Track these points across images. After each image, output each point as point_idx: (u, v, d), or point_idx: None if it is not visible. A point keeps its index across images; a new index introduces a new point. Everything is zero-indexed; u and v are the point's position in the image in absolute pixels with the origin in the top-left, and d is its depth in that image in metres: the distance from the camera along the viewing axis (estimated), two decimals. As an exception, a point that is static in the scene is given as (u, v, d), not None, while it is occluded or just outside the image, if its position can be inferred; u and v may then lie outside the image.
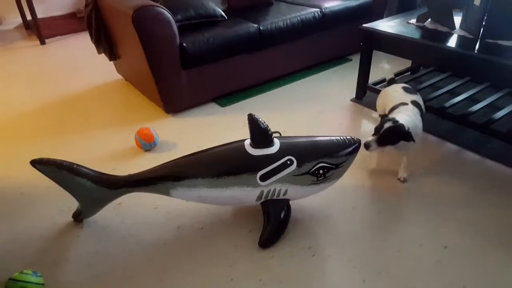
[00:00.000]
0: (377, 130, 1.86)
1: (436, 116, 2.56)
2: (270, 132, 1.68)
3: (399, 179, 2.06)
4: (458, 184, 2.03)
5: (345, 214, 1.88)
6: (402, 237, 1.72)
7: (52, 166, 1.66)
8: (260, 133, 1.67)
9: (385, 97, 2.22)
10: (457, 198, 1.94)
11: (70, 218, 1.86)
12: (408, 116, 1.90)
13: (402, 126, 1.82)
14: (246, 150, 1.68)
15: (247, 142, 1.71)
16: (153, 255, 1.69)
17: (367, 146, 1.83)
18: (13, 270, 1.51)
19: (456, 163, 2.22)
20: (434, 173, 2.12)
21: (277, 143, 1.70)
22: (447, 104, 2.49)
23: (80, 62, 3.95)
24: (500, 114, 2.36)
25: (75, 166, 1.69)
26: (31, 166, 1.66)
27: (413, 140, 1.81)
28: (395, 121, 1.83)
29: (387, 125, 1.83)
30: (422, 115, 2.00)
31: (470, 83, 2.77)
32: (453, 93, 2.66)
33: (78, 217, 1.84)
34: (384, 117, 1.93)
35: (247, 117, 1.66)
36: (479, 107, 2.44)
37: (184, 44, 2.54)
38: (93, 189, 1.71)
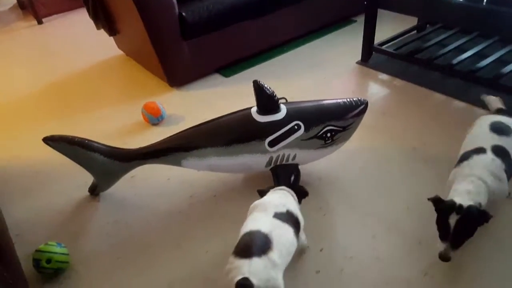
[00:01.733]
0: (443, 229, 1.32)
1: (442, 73, 2.53)
2: (276, 98, 1.69)
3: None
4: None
5: (353, 175, 1.91)
6: (411, 195, 1.75)
7: (64, 142, 1.70)
8: (266, 100, 1.68)
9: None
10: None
11: (86, 193, 1.92)
12: (471, 182, 1.34)
13: (472, 210, 1.26)
14: (253, 118, 1.69)
15: (254, 110, 1.72)
16: (169, 223, 1.75)
17: (445, 259, 1.32)
18: (38, 242, 1.58)
19: (466, 121, 2.22)
20: (445, 134, 2.11)
21: (283, 109, 1.71)
22: (455, 61, 2.45)
23: (80, 39, 3.92)
24: (508, 68, 2.32)
25: (86, 141, 1.73)
26: (42, 145, 1.70)
27: (486, 220, 1.27)
28: (459, 208, 1.27)
29: (453, 219, 1.26)
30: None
31: (478, 39, 2.70)
32: (461, 49, 2.61)
33: (94, 191, 1.90)
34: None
35: (252, 84, 1.66)
36: (487, 63, 2.40)
37: (183, 13, 2.51)
38: (106, 163, 1.75)
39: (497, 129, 1.47)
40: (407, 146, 2.04)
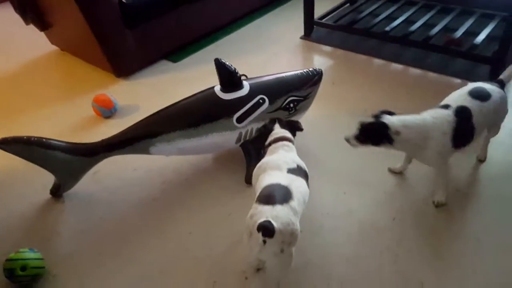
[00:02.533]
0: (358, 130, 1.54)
1: (379, 40, 2.73)
2: (238, 74, 1.72)
3: (433, 202, 1.64)
4: (409, 99, 2.23)
5: (317, 141, 2.01)
6: (369, 151, 1.82)
7: (19, 143, 1.59)
8: (229, 77, 1.70)
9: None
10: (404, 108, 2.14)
11: (48, 195, 1.81)
12: (416, 115, 1.52)
13: (378, 124, 1.47)
14: (218, 96, 1.71)
15: (218, 88, 1.74)
16: (146, 211, 1.73)
17: (347, 140, 1.56)
18: (6, 253, 1.47)
19: (403, 80, 2.43)
20: (388, 94, 2.29)
21: (246, 85, 1.75)
22: (388, 28, 2.65)
23: (6, 37, 3.57)
24: (435, 30, 2.57)
25: (44, 140, 1.62)
26: None
27: (389, 142, 1.47)
28: (377, 117, 1.50)
29: (365, 120, 1.51)
30: (464, 127, 1.51)
31: (405, 6, 2.95)
32: (392, 17, 2.82)
33: (57, 192, 1.79)
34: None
35: (214, 62, 1.68)
36: (417, 27, 2.64)
37: (124, 0, 2.41)
38: (69, 160, 1.66)
39: (474, 93, 1.56)
40: (359, 108, 2.19)
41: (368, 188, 1.74)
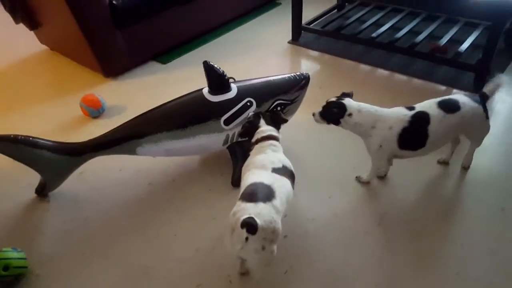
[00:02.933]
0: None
1: (366, 46, 2.78)
2: (226, 77, 1.74)
3: (356, 177, 1.81)
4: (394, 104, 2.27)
5: (303, 145, 2.05)
6: (355, 155, 1.89)
7: (5, 141, 1.58)
8: (217, 79, 1.72)
9: None
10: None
11: (33, 194, 1.80)
12: (373, 108, 1.60)
13: (338, 103, 1.61)
14: (206, 98, 1.73)
15: (206, 90, 1.76)
16: (132, 212, 1.73)
17: (313, 115, 1.68)
18: (-11, 253, 1.46)
19: (389, 85, 2.48)
20: (374, 98, 2.31)
21: (234, 88, 1.77)
22: (375, 35, 2.70)
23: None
24: (420, 37, 2.63)
25: (31, 138, 1.62)
26: None
27: (337, 121, 1.61)
28: (339, 98, 1.64)
29: (330, 99, 1.65)
30: (416, 131, 1.58)
31: (392, 13, 3.01)
32: (378, 24, 2.88)
33: (42, 191, 1.78)
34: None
35: (202, 64, 1.69)
36: (402, 34, 2.69)
37: (114, 1, 2.41)
38: (55, 159, 1.66)
39: (442, 103, 1.57)
40: (346, 113, 2.22)
41: (353, 192, 1.77)
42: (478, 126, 1.65)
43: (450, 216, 1.66)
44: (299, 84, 1.89)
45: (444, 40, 2.59)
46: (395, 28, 2.79)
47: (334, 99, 1.65)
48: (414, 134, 1.58)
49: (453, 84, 2.42)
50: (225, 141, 1.79)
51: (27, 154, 1.61)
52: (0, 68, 2.96)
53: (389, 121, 1.57)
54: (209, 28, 3.18)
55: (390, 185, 1.79)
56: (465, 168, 1.83)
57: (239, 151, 1.83)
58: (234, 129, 1.76)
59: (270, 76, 1.88)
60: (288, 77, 1.88)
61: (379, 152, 1.63)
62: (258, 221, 1.12)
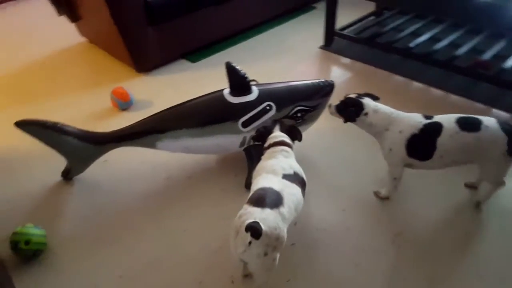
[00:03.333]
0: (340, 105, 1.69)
1: (401, 56, 2.69)
2: (248, 79, 1.74)
3: (375, 192, 1.76)
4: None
5: (322, 153, 2.01)
6: (376, 170, 1.84)
7: (37, 126, 1.68)
8: (238, 81, 1.73)
9: None
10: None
11: (59, 178, 1.90)
12: (389, 110, 1.59)
13: (356, 101, 1.61)
14: (226, 99, 1.75)
15: (227, 91, 1.77)
16: (146, 204, 1.78)
17: (329, 106, 1.72)
18: (13, 227, 1.56)
19: (423, 99, 2.38)
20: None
21: (255, 90, 1.77)
22: (412, 45, 2.61)
23: (39, 27, 3.75)
24: (461, 50, 2.51)
25: (59, 125, 1.71)
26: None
27: (353, 119, 1.62)
28: (358, 96, 1.65)
29: (350, 95, 1.66)
30: (425, 140, 1.53)
31: (432, 23, 2.89)
32: (416, 33, 2.78)
33: (67, 175, 1.88)
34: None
35: (225, 65, 1.71)
36: (441, 46, 2.58)
37: (148, -1, 2.50)
38: (80, 146, 1.74)
39: (462, 119, 1.50)
40: (370, 124, 2.17)
41: (369, 207, 1.72)
42: (495, 160, 1.48)
43: (469, 244, 1.57)
44: (322, 91, 1.86)
45: (487, 55, 2.44)
46: (434, 39, 2.68)
47: (353, 95, 1.64)
48: (422, 143, 1.52)
49: (493, 103, 2.27)
50: (242, 143, 1.79)
51: (55, 139, 1.70)
52: (41, 57, 3.13)
53: (401, 125, 1.54)
54: (240, 29, 3.20)
55: (409, 204, 1.73)
56: (477, 205, 1.67)
57: (255, 155, 1.82)
58: (251, 132, 1.76)
59: (293, 81, 1.87)
60: (312, 83, 1.86)
61: (390, 156, 1.59)
62: (263, 226, 1.12)
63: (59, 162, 1.85)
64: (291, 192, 1.31)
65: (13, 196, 1.84)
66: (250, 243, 1.12)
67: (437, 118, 1.53)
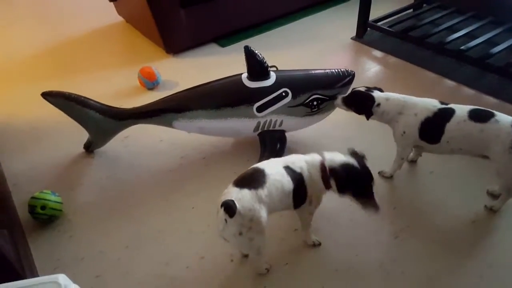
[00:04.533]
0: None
1: (434, 52, 2.58)
2: (266, 64, 1.75)
3: (379, 172, 1.79)
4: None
5: (338, 144, 1.96)
6: (390, 164, 1.83)
7: (61, 97, 1.77)
8: (256, 65, 1.74)
9: None
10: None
11: (81, 149, 2.01)
12: (402, 96, 1.61)
13: (367, 95, 1.62)
14: (243, 83, 1.76)
15: (244, 75, 1.79)
16: (160, 180, 1.85)
17: (335, 98, 1.76)
18: (33, 192, 1.67)
19: (454, 98, 2.28)
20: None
21: (273, 76, 1.78)
22: (446, 40, 2.49)
23: (80, 4, 3.92)
24: (497, 49, 2.37)
25: (82, 98, 1.80)
26: (39, 103, 1.79)
27: (368, 114, 1.63)
28: (367, 89, 1.67)
29: (358, 88, 1.68)
30: (435, 123, 1.54)
31: (471, 20, 2.74)
32: (453, 29, 2.65)
33: (89, 148, 1.98)
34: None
35: (244, 50, 1.72)
36: (477, 43, 2.45)
37: (182, -20, 2.54)
38: (101, 120, 1.83)
39: (477, 110, 1.50)
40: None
41: (377, 200, 1.69)
42: (498, 155, 1.44)
43: (475, 246, 1.52)
44: (342, 81, 1.83)
45: (525, 55, 2.30)
46: (470, 36, 2.54)
47: (362, 89, 1.67)
48: (433, 127, 1.54)
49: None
50: (256, 128, 1.81)
51: (78, 111, 1.80)
52: (79, 34, 3.28)
53: (416, 109, 1.57)
54: (273, 16, 3.18)
55: (418, 202, 1.69)
56: (489, 209, 1.61)
57: (269, 140, 1.84)
58: (266, 117, 1.77)
59: (312, 69, 1.85)
60: (331, 72, 1.83)
61: (403, 139, 1.63)
62: (238, 205, 1.14)
63: (83, 135, 1.95)
64: (279, 180, 1.29)
65: (37, 163, 1.97)
66: (226, 221, 1.17)
67: (452, 105, 1.55)
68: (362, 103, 1.64)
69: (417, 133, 1.57)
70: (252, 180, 1.26)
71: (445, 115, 1.52)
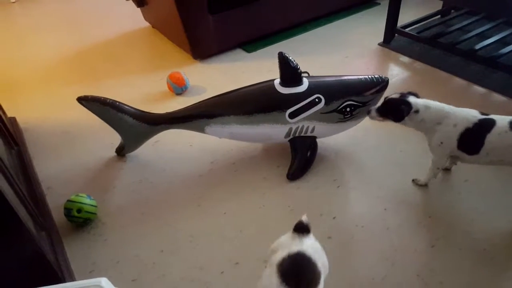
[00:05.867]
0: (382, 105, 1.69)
1: (464, 58, 2.54)
2: (299, 70, 1.75)
3: (413, 180, 1.77)
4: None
5: (369, 151, 1.97)
6: (424, 172, 1.80)
7: (97, 102, 1.80)
8: (290, 72, 1.74)
9: None
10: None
11: (113, 153, 2.03)
12: (441, 104, 1.58)
13: (403, 101, 1.58)
14: (276, 89, 1.76)
15: (277, 81, 1.79)
16: (191, 185, 1.86)
17: (368, 112, 1.70)
18: (67, 195, 1.69)
19: (485, 106, 2.24)
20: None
21: (305, 82, 1.77)
22: (477, 47, 2.46)
23: (107, 10, 3.99)
24: (530, 56, 2.33)
25: (117, 103, 1.82)
26: (72, 107, 1.84)
27: (400, 118, 1.60)
28: (402, 95, 1.63)
29: (392, 96, 1.65)
30: (476, 135, 1.51)
31: (502, 26, 2.70)
32: (484, 36, 2.61)
33: (121, 152, 2.01)
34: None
35: (277, 55, 1.73)
36: (509, 50, 2.41)
37: (211, -13, 2.56)
38: (135, 125, 1.85)
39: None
40: (423, 126, 2.08)
41: (412, 209, 1.67)
42: None
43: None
44: (375, 87, 1.81)
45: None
46: (501, 43, 2.50)
47: (396, 96, 1.64)
48: (472, 138, 1.51)
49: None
50: (288, 134, 1.81)
51: (112, 116, 1.82)
52: (106, 39, 3.33)
53: (456, 119, 1.54)
54: (299, 22, 3.18)
55: (454, 210, 1.66)
56: None
57: (300, 146, 1.84)
58: (298, 123, 1.76)
59: (345, 75, 1.84)
60: (365, 78, 1.81)
61: (440, 149, 1.60)
62: None
63: (115, 139, 1.98)
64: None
65: (72, 166, 2.00)
66: None
67: (493, 116, 1.52)
68: (398, 109, 1.59)
69: (455, 144, 1.54)
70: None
71: (485, 126, 1.48)
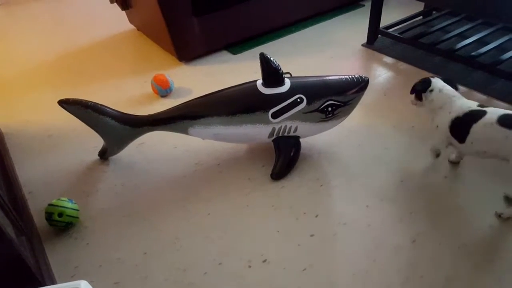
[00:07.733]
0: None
1: (445, 58, 2.59)
2: (281, 71, 1.76)
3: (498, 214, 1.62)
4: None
5: (352, 150, 1.99)
6: (406, 169, 1.83)
7: (77, 105, 1.79)
8: (271, 72, 1.75)
9: None
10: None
11: (96, 156, 2.02)
12: (453, 94, 1.66)
13: (425, 79, 1.74)
14: (258, 89, 1.77)
15: (259, 82, 1.80)
16: (175, 186, 1.85)
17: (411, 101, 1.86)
18: (49, 199, 1.68)
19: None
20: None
21: (287, 83, 1.79)
22: (457, 47, 2.50)
23: (92, 13, 3.98)
24: (507, 55, 2.38)
25: (99, 105, 1.81)
26: (55, 110, 1.79)
27: (419, 98, 1.76)
28: (433, 77, 1.75)
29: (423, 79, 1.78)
30: (464, 123, 1.58)
31: (481, 26, 2.76)
32: (463, 36, 2.66)
33: (104, 155, 1.99)
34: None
35: (259, 56, 1.74)
36: (488, 49, 2.46)
37: (195, -11, 2.57)
38: (117, 127, 1.84)
39: (508, 114, 1.49)
40: (406, 125, 2.12)
41: (394, 206, 1.69)
42: None
43: (493, 250, 1.51)
44: (355, 87, 1.83)
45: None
46: (481, 42, 2.56)
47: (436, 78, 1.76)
48: (460, 126, 1.59)
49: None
50: (271, 134, 1.82)
51: (94, 119, 1.81)
52: (91, 42, 3.32)
53: (452, 107, 1.63)
54: (284, 24, 3.21)
55: (433, 204, 1.68)
56: (498, 216, 1.59)
57: (283, 146, 1.85)
58: (281, 123, 1.78)
59: (326, 75, 1.86)
60: (346, 78, 1.84)
61: (439, 134, 1.70)
62: None
63: (98, 142, 1.97)
64: None
65: (54, 170, 1.98)
66: None
67: (488, 108, 1.56)
68: (419, 83, 1.75)
69: (448, 130, 1.63)
70: None
71: (474, 116, 1.55)
